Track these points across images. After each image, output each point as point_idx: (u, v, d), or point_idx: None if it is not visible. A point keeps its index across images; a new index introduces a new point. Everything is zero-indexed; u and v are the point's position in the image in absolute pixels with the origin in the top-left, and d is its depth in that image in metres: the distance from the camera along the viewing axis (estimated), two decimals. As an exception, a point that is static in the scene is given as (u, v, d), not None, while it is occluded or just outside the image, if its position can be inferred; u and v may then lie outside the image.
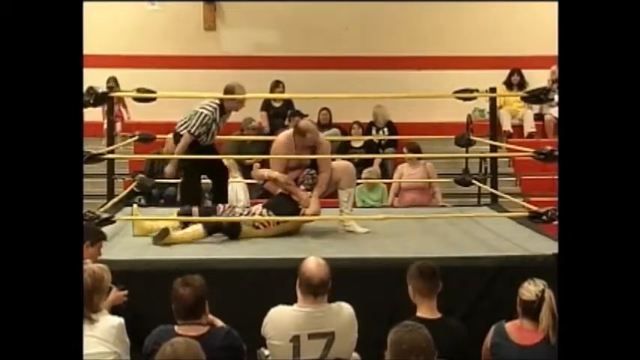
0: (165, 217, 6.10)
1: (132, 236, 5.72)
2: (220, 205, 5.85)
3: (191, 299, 3.63)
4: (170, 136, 9.36)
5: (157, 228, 5.62)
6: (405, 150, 8.56)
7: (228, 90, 6.09)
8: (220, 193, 6.46)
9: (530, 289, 3.78)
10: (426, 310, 3.91)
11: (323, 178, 5.89)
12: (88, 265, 3.88)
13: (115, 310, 4.01)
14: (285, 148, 5.92)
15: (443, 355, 3.16)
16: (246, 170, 9.68)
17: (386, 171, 10.02)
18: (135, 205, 6.17)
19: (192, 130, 6.04)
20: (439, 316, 3.91)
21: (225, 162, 6.42)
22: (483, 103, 9.82)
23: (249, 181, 7.38)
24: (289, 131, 6.15)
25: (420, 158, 8.52)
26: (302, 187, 5.87)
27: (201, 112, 6.07)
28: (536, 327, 3.73)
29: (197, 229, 5.58)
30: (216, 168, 6.41)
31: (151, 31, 11.61)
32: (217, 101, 6.11)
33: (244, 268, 4.94)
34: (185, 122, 6.16)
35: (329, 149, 6.23)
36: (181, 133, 6.13)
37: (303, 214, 5.81)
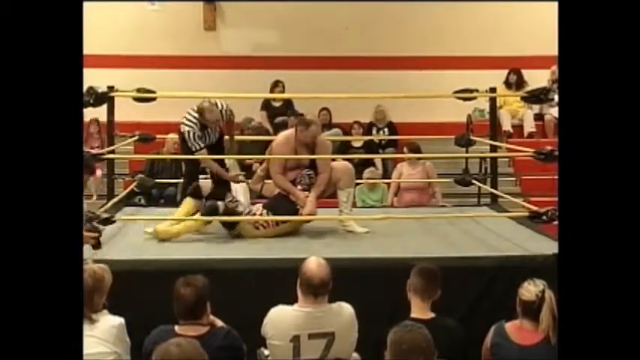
0: (166, 216, 6.10)
1: (141, 237, 5.71)
2: (220, 203, 5.84)
3: (192, 299, 3.63)
4: (170, 135, 9.39)
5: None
6: (405, 149, 8.56)
7: (199, 110, 5.88)
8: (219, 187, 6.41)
9: (530, 289, 3.77)
10: (419, 311, 3.91)
11: (322, 179, 5.89)
12: (89, 265, 3.87)
13: (115, 310, 4.00)
14: (284, 148, 5.92)
15: (440, 355, 3.16)
16: (246, 170, 9.69)
17: (386, 171, 10.02)
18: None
19: (197, 147, 5.91)
20: (432, 316, 3.91)
21: (227, 162, 6.41)
22: (483, 103, 9.82)
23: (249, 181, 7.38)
24: (288, 131, 6.16)
25: (420, 158, 8.52)
26: (299, 186, 5.87)
27: (186, 130, 5.91)
28: (536, 327, 3.73)
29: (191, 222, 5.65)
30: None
31: (151, 31, 11.60)
32: (195, 115, 5.92)
33: (245, 268, 4.94)
34: (186, 122, 6.07)
35: (329, 150, 6.23)
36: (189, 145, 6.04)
37: (300, 215, 5.82)
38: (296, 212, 5.83)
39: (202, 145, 5.93)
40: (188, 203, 5.93)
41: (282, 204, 5.85)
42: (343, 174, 5.99)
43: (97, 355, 3.61)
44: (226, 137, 6.33)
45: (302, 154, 5.90)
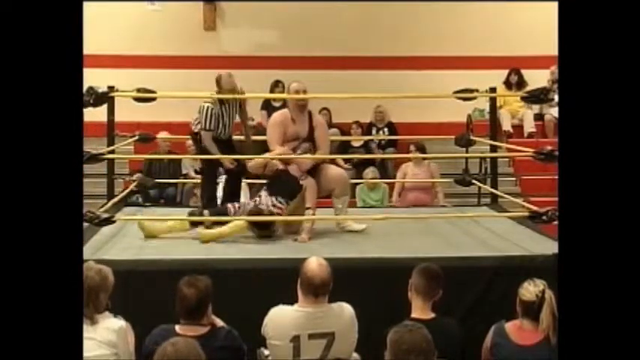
0: (173, 217, 6.08)
1: (141, 238, 5.66)
2: (229, 205, 5.83)
3: (193, 300, 3.63)
4: (162, 135, 9.36)
5: (166, 228, 5.66)
6: (412, 148, 8.51)
7: (216, 80, 6.14)
8: (232, 192, 6.40)
9: (530, 289, 3.78)
10: (419, 311, 3.91)
11: (321, 154, 5.99)
12: (92, 264, 3.87)
13: (115, 310, 4.00)
14: (280, 124, 5.96)
15: (440, 355, 3.16)
16: (245, 170, 9.66)
17: (386, 171, 10.03)
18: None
19: (208, 126, 6.02)
20: (432, 316, 3.91)
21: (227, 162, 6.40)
22: (483, 103, 9.82)
23: (249, 181, 7.37)
24: (284, 110, 6.18)
25: (423, 158, 8.53)
26: (299, 151, 5.93)
27: (205, 107, 6.05)
28: (536, 327, 3.73)
29: (238, 223, 5.61)
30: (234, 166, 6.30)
31: (151, 31, 11.59)
32: (210, 99, 6.09)
33: (244, 268, 4.94)
34: (197, 121, 6.16)
35: (326, 128, 6.34)
36: (198, 131, 6.12)
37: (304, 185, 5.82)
38: (298, 185, 5.82)
39: (211, 128, 6.00)
40: (183, 224, 5.82)
41: (283, 179, 5.84)
42: (338, 183, 6.00)
43: (97, 357, 3.60)
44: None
45: (299, 126, 5.93)
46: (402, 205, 8.38)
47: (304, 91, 6.08)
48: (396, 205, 8.59)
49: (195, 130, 6.23)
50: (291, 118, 5.99)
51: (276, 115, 6.17)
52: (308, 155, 5.92)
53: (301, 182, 5.83)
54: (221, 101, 6.07)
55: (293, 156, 5.90)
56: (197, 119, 6.17)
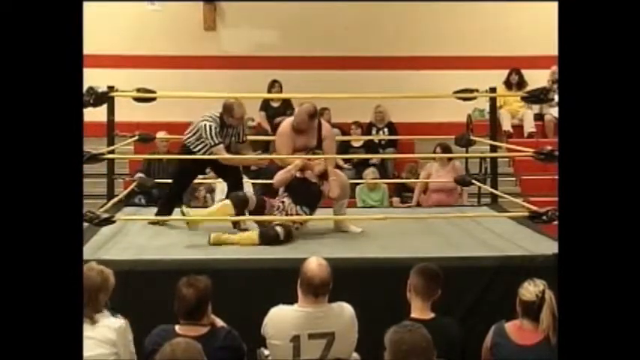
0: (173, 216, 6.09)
1: (143, 237, 5.66)
2: (267, 199, 5.86)
3: (193, 300, 3.63)
4: (160, 135, 9.32)
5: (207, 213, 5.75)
6: (438, 150, 8.52)
7: (226, 107, 5.95)
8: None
9: (530, 289, 3.78)
10: (419, 311, 3.91)
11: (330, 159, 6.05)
12: (94, 265, 3.87)
13: (115, 310, 4.00)
14: (290, 134, 5.98)
15: (440, 355, 3.16)
16: (246, 170, 9.67)
17: (386, 171, 10.02)
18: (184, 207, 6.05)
19: (217, 141, 5.92)
20: (432, 316, 3.90)
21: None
22: (483, 103, 9.82)
23: (250, 181, 7.38)
24: (291, 118, 6.18)
25: (421, 158, 8.54)
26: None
27: (206, 125, 5.93)
28: (536, 327, 3.73)
29: (252, 234, 5.56)
30: (230, 169, 6.29)
31: (150, 31, 11.60)
32: (216, 113, 6.00)
33: (244, 267, 4.94)
34: (191, 136, 6.05)
35: (333, 134, 6.42)
36: (194, 149, 6.02)
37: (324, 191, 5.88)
38: (319, 192, 5.87)
39: (221, 140, 5.96)
40: (226, 207, 5.75)
41: (304, 187, 5.86)
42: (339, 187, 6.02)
43: (97, 356, 3.60)
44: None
45: (304, 137, 5.95)
46: (427, 205, 8.37)
47: (313, 114, 5.98)
48: (420, 204, 8.59)
49: (189, 146, 6.07)
50: (299, 129, 5.97)
51: (285, 124, 6.14)
52: (312, 155, 5.94)
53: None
54: (222, 122, 5.99)
55: (292, 156, 5.92)
56: (190, 134, 6.07)
